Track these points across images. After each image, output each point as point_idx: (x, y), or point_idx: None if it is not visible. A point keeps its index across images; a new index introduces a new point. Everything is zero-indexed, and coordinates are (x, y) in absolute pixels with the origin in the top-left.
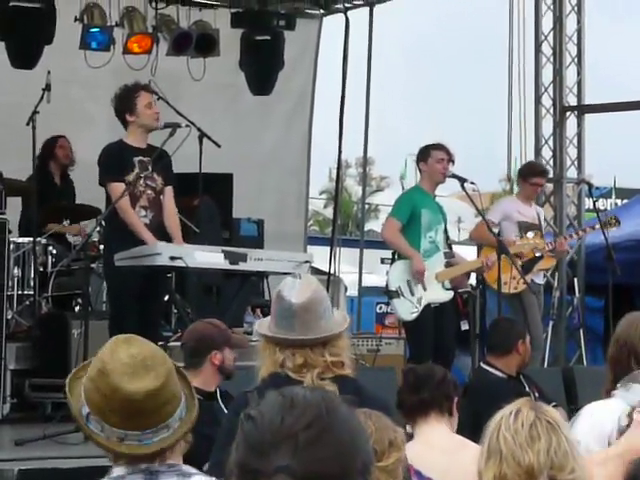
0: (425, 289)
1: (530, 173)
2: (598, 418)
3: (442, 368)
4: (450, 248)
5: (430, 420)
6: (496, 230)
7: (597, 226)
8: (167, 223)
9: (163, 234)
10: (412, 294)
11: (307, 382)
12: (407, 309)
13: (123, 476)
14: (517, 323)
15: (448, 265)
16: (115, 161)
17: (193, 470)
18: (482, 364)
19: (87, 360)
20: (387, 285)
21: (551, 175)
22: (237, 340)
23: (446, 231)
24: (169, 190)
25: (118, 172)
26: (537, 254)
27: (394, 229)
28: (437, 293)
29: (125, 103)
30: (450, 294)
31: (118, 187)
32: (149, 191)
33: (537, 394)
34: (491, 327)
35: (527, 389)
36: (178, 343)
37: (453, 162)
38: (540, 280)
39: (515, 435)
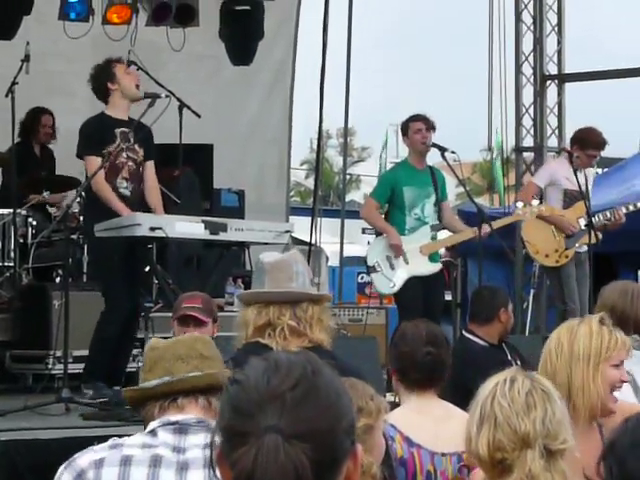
0: (407, 262)
1: (589, 144)
2: None
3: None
4: (440, 220)
5: (426, 387)
6: (536, 198)
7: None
8: (148, 197)
9: (144, 206)
10: (392, 268)
11: (275, 348)
12: (385, 284)
13: (154, 430)
14: (499, 291)
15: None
16: (95, 134)
17: None
18: (464, 332)
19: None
20: (365, 260)
21: (532, 144)
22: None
23: (438, 201)
24: (150, 164)
25: (97, 145)
26: (582, 226)
27: (371, 208)
28: (422, 266)
29: (105, 73)
30: (437, 266)
31: (94, 160)
32: (130, 162)
33: (519, 362)
34: (473, 295)
35: (509, 357)
36: (159, 314)
37: (434, 129)
38: (583, 249)
39: (511, 403)
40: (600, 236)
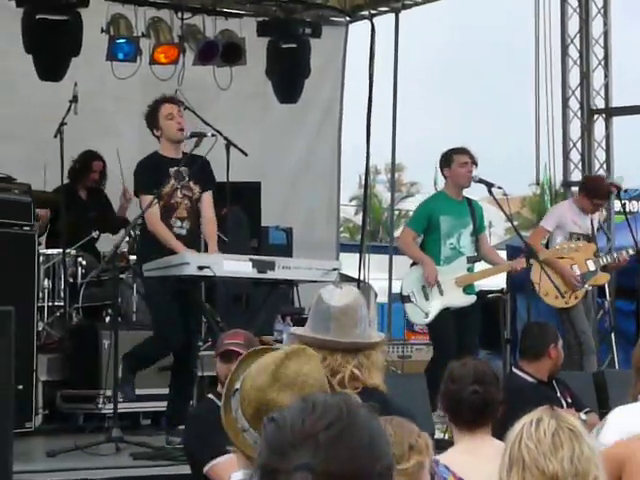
0: (442, 294)
1: (595, 194)
2: (626, 421)
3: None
4: (478, 251)
5: (477, 426)
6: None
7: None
8: (203, 229)
9: (202, 244)
10: (427, 299)
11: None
12: (418, 314)
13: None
14: (549, 327)
15: (490, 262)
16: (149, 174)
17: None
18: (514, 369)
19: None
20: (401, 289)
21: (580, 178)
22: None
23: (476, 232)
24: (207, 196)
25: (151, 185)
26: (592, 268)
27: (408, 238)
28: (456, 297)
29: (150, 120)
30: (471, 298)
31: (147, 200)
32: (186, 201)
33: (570, 400)
34: (523, 331)
35: (559, 394)
36: (208, 352)
37: (476, 165)
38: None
39: (538, 444)
40: (608, 277)
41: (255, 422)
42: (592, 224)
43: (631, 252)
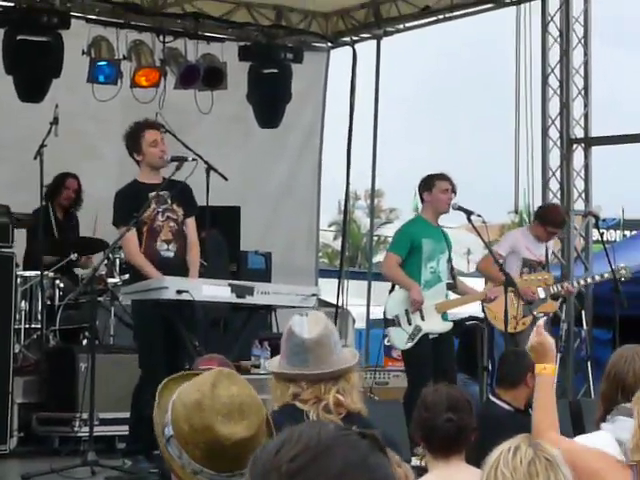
0: (423, 319)
1: (550, 222)
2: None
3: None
4: (454, 278)
5: (451, 453)
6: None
7: (606, 275)
8: (188, 254)
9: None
10: (409, 323)
11: (312, 415)
12: (402, 338)
13: None
14: (526, 355)
15: (458, 292)
16: (128, 204)
17: None
18: (491, 396)
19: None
20: (384, 313)
21: None
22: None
23: (450, 260)
24: (189, 221)
25: (130, 215)
26: (542, 295)
27: (393, 263)
28: (435, 324)
29: (131, 143)
30: (449, 325)
31: (126, 230)
32: (171, 223)
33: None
34: (500, 359)
35: None
36: None
37: (455, 193)
38: (541, 317)
39: (514, 472)
40: (557, 305)
41: (210, 461)
42: (547, 252)
43: (577, 284)
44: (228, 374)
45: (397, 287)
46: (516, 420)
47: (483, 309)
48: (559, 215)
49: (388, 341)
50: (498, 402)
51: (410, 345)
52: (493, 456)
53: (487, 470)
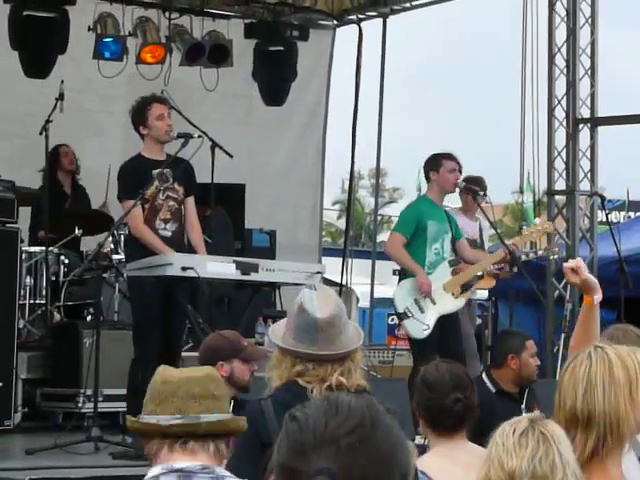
0: (435, 303)
1: (474, 184)
2: None
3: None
4: (456, 253)
5: (456, 432)
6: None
7: (540, 253)
8: (189, 234)
9: (187, 245)
10: (422, 311)
11: (315, 393)
12: (418, 328)
13: (157, 476)
14: (513, 337)
15: (454, 272)
16: (132, 178)
17: (227, 473)
18: (483, 374)
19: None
20: (394, 307)
21: (564, 187)
22: (251, 352)
23: (452, 239)
24: (190, 200)
25: (135, 190)
26: (479, 273)
27: (398, 244)
28: (448, 304)
29: (138, 116)
30: (462, 302)
31: (130, 204)
32: (171, 202)
33: (537, 412)
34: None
35: (523, 406)
36: (190, 354)
37: (461, 172)
38: (475, 296)
39: (505, 440)
40: (493, 282)
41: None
42: (480, 231)
43: (525, 257)
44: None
45: (401, 278)
46: (498, 401)
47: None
48: (478, 178)
49: (404, 331)
50: (486, 381)
51: (428, 333)
52: (497, 430)
53: (489, 444)
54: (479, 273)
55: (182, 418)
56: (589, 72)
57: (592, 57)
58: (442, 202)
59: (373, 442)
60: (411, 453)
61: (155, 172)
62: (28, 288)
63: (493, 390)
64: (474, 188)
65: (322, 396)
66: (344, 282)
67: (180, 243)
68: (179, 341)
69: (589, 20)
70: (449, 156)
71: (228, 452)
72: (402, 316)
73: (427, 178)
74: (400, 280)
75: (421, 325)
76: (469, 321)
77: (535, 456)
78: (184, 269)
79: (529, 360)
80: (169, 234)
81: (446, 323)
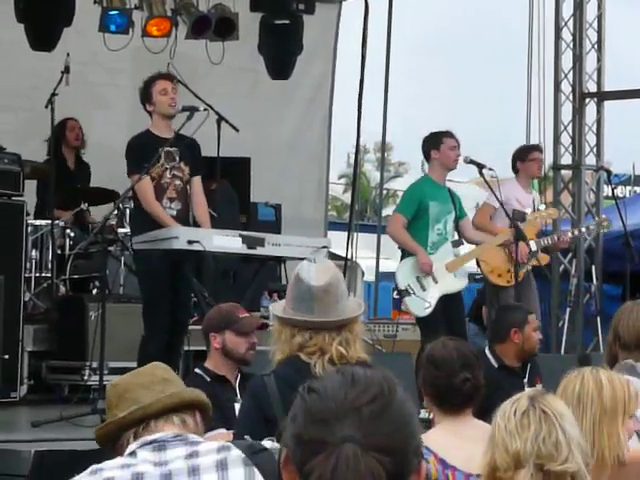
0: (436, 281)
1: (526, 151)
2: None
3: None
4: (461, 236)
5: (462, 410)
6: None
7: (591, 227)
8: (195, 213)
9: (192, 224)
10: (423, 289)
11: (319, 367)
12: (420, 306)
13: (133, 451)
14: (515, 311)
15: (456, 254)
16: (140, 154)
17: (199, 439)
18: (486, 350)
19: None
20: (396, 284)
21: (570, 162)
22: (243, 323)
23: (457, 219)
24: (196, 180)
25: (142, 164)
26: (533, 248)
27: (399, 225)
28: (450, 283)
29: (143, 94)
30: (464, 282)
31: (138, 180)
32: (177, 182)
33: (540, 386)
34: (495, 313)
35: (525, 380)
36: (194, 327)
37: (459, 149)
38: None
39: (507, 422)
40: (548, 258)
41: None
42: (533, 202)
43: (570, 235)
44: None
45: (404, 256)
46: (499, 375)
47: (478, 263)
48: (527, 145)
49: (405, 308)
50: (489, 356)
51: (429, 311)
52: (499, 409)
53: (492, 424)
54: (533, 249)
55: (138, 405)
56: (596, 46)
57: (599, 31)
58: (445, 180)
59: (392, 411)
60: (420, 425)
61: (162, 150)
62: (34, 261)
63: (495, 365)
64: (479, 162)
65: (333, 369)
66: (349, 256)
67: (185, 222)
68: (187, 314)
69: None
70: (448, 133)
71: (198, 426)
72: (403, 293)
73: (427, 157)
74: (403, 257)
75: (423, 302)
76: (535, 296)
77: (538, 437)
78: (190, 242)
79: (532, 334)
80: (174, 213)
81: (450, 303)
